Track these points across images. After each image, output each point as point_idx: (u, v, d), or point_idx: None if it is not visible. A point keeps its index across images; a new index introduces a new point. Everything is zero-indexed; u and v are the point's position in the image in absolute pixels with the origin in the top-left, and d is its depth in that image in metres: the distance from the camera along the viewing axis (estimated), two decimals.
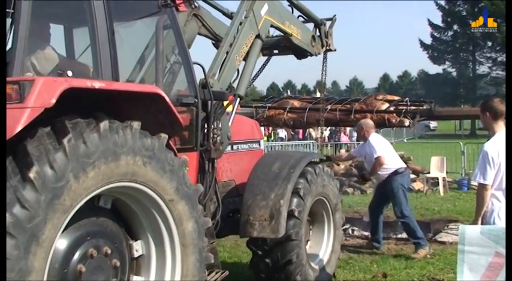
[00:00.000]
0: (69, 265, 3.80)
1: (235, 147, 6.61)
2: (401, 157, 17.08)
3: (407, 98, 10.72)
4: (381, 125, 10.44)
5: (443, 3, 57.45)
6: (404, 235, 10.26)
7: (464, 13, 57.02)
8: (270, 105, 12.11)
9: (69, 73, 4.29)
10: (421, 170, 16.61)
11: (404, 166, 9.00)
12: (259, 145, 7.35)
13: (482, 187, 5.18)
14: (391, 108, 10.03)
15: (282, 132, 32.78)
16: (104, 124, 3.81)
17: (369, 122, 9.07)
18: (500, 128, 5.32)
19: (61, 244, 3.76)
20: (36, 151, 3.45)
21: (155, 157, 4.18)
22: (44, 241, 3.39)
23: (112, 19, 4.60)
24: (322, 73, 9.02)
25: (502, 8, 43.48)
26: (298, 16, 8.12)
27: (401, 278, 7.34)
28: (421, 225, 10.90)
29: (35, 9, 4.04)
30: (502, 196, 5.13)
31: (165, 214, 4.35)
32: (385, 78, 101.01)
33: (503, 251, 4.04)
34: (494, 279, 4.07)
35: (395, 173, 8.67)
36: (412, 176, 16.29)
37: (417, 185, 15.65)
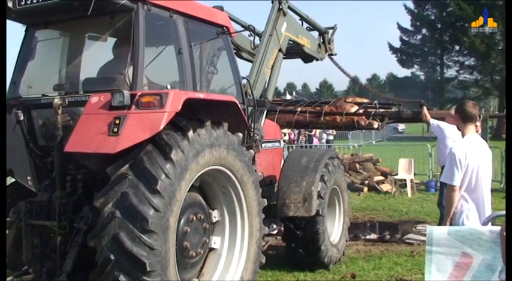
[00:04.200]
0: (180, 224, 5.19)
1: (263, 145, 7.68)
2: (370, 159, 17.44)
3: (376, 101, 10.75)
4: (350, 127, 10.44)
5: (412, 7, 58.16)
6: (372, 236, 10.35)
7: (432, 17, 57.72)
8: None
9: (168, 86, 5.72)
10: (389, 172, 16.78)
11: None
12: (280, 143, 8.58)
13: (450, 189, 5.24)
14: (361, 111, 10.05)
15: None
16: (208, 123, 5.27)
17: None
18: (470, 131, 5.37)
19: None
20: (169, 140, 4.80)
21: (236, 149, 5.71)
22: (177, 201, 4.82)
23: (191, 41, 5.98)
24: (344, 73, 10.59)
25: (470, 13, 44.27)
26: (306, 27, 9.36)
27: (370, 279, 7.40)
28: (389, 226, 11.04)
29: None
30: (469, 198, 5.20)
31: (238, 189, 5.87)
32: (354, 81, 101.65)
33: (469, 251, 4.11)
34: (461, 279, 4.13)
35: None
36: (380, 177, 16.48)
37: (385, 187, 15.82)
